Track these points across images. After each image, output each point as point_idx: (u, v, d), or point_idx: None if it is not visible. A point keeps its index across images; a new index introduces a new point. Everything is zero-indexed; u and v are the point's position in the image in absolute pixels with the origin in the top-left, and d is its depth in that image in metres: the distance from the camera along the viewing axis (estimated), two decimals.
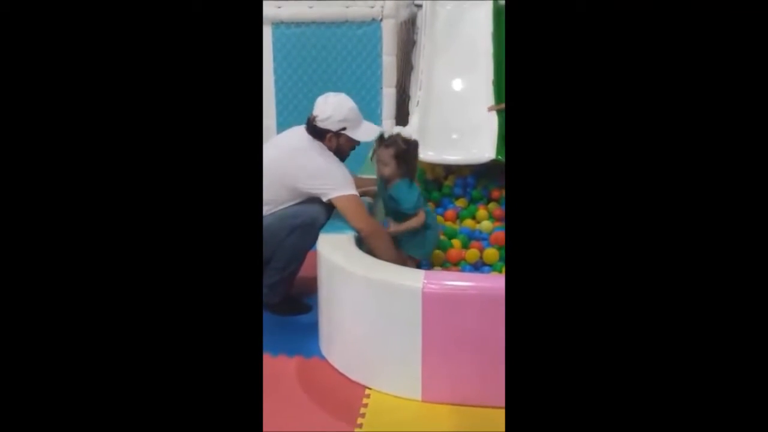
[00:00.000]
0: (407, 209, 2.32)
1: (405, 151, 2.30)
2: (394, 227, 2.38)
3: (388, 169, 2.30)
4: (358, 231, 2.19)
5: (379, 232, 2.27)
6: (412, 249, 2.40)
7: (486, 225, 2.84)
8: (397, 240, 2.40)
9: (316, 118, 2.28)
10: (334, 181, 2.22)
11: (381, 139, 2.36)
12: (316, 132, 2.30)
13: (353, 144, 2.36)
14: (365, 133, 2.35)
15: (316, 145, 2.30)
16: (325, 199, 2.24)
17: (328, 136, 2.29)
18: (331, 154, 2.31)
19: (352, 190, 2.23)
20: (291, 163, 2.25)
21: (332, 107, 2.27)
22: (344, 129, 2.29)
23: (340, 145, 2.33)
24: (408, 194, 2.31)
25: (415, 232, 2.38)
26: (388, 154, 2.29)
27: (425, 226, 2.38)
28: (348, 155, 2.39)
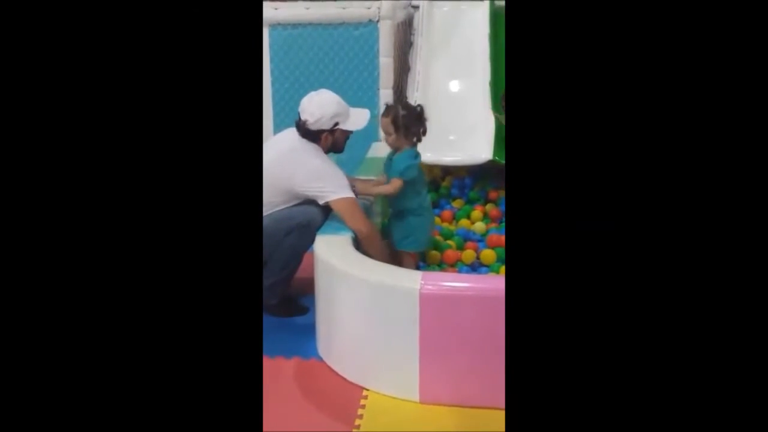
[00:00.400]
0: (392, 174, 2.29)
1: (405, 116, 2.26)
2: (362, 187, 2.36)
3: (392, 138, 2.29)
4: (356, 233, 2.19)
5: (376, 234, 2.27)
6: (403, 242, 2.37)
7: (479, 226, 2.84)
8: (389, 234, 2.40)
9: (307, 122, 2.27)
10: (332, 185, 2.22)
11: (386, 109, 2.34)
12: (310, 134, 2.29)
13: (348, 134, 2.36)
14: (356, 121, 2.34)
15: (311, 147, 2.30)
16: (322, 202, 2.24)
17: (323, 135, 2.30)
18: (326, 156, 2.32)
19: (349, 193, 2.23)
20: (287, 165, 2.25)
21: (320, 107, 2.27)
22: (337, 124, 2.30)
23: (335, 139, 2.33)
24: (401, 162, 2.28)
25: (400, 220, 2.36)
26: (387, 122, 2.27)
27: (409, 211, 2.34)
28: (344, 146, 2.39)
